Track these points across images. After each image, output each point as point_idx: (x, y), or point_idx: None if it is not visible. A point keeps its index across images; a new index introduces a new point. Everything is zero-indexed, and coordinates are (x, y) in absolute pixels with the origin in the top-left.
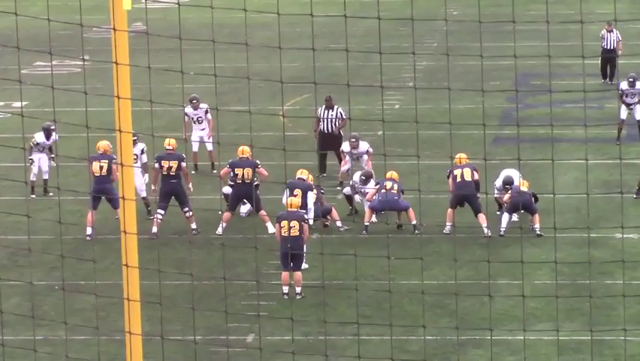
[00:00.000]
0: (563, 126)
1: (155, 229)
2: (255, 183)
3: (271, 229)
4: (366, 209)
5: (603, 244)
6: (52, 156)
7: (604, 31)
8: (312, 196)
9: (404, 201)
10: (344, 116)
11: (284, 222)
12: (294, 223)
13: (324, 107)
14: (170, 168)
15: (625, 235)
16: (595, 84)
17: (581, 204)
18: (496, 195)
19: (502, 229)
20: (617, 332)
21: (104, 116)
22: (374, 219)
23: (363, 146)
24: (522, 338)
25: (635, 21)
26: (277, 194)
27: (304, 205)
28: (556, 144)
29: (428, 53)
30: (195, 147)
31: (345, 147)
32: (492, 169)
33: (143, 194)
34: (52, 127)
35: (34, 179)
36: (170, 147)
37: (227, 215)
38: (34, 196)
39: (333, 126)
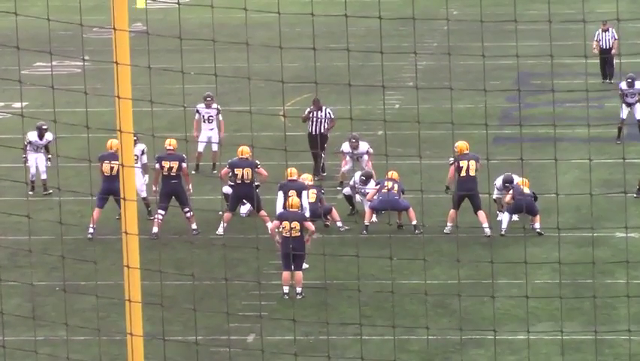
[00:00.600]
0: (564, 126)
1: (155, 230)
2: (256, 183)
3: None
4: (367, 209)
5: (604, 243)
6: (49, 156)
7: (599, 31)
8: (306, 195)
9: (404, 201)
10: (332, 117)
11: (285, 223)
12: (295, 224)
13: (312, 107)
14: (170, 168)
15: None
16: (595, 83)
17: (581, 204)
18: (497, 196)
19: (503, 229)
20: (617, 331)
21: (105, 117)
22: (374, 219)
23: (364, 146)
24: (522, 337)
25: (635, 20)
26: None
27: (300, 205)
28: (556, 144)
29: (428, 52)
30: (201, 147)
31: (346, 147)
32: (492, 169)
33: (144, 194)
34: (45, 126)
35: (34, 179)
36: (171, 148)
37: (227, 215)
38: (31, 193)
39: (322, 128)
